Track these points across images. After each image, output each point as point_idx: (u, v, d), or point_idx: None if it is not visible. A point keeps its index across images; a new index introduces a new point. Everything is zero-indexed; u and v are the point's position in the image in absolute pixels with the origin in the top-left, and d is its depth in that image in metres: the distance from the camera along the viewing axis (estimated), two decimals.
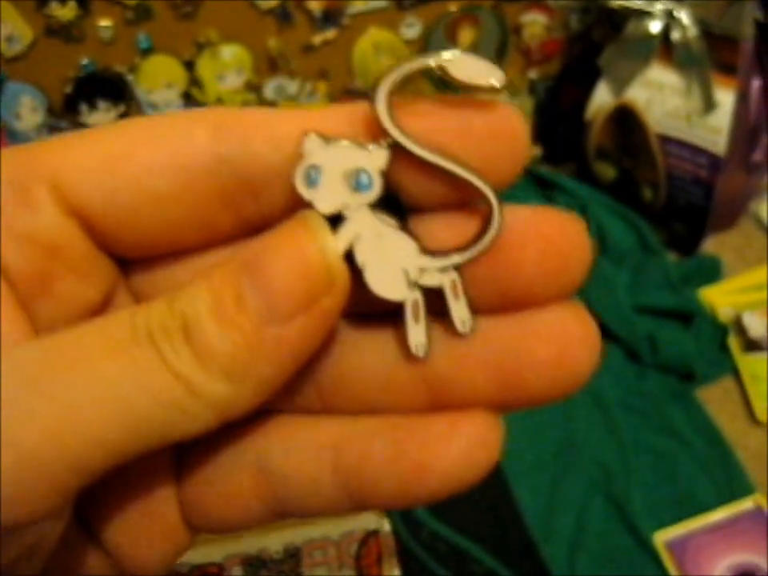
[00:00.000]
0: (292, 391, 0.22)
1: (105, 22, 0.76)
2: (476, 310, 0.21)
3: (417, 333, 0.21)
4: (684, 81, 0.81)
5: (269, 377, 0.19)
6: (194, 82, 0.82)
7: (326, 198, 0.20)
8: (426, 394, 0.22)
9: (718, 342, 0.81)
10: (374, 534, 0.48)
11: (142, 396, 0.19)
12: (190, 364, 0.19)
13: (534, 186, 0.96)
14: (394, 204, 0.21)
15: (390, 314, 0.22)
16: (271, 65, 0.83)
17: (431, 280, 0.21)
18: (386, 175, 0.21)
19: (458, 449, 0.21)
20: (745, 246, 0.89)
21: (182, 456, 0.23)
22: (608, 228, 0.89)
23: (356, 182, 0.20)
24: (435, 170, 0.21)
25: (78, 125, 0.80)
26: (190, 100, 0.83)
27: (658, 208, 0.89)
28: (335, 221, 0.20)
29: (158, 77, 0.80)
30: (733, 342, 0.81)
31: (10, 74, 0.76)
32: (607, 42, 0.85)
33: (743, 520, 0.70)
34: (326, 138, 0.20)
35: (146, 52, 0.79)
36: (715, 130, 0.80)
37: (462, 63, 0.21)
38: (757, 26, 0.78)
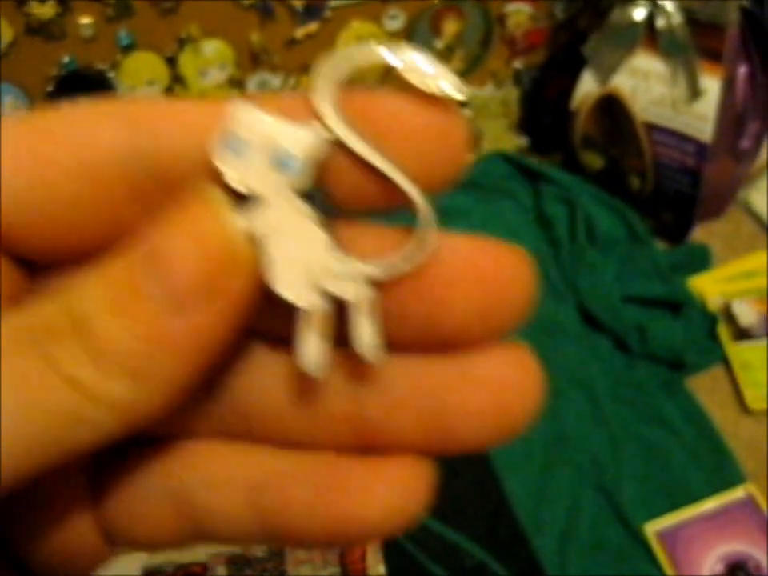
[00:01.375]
0: (211, 412, 0.20)
1: (85, 20, 0.76)
2: (396, 345, 0.19)
3: (313, 346, 0.18)
4: (669, 68, 0.81)
5: (175, 374, 0.17)
6: (177, 78, 0.81)
7: (240, 170, 0.18)
8: (349, 430, 0.20)
9: (707, 331, 0.81)
10: None
11: (30, 409, 0.17)
12: (83, 365, 0.17)
13: (521, 176, 0.95)
14: (324, 200, 0.19)
15: None
16: (254, 59, 0.83)
17: (341, 289, 0.18)
18: (317, 165, 0.18)
19: (381, 500, 0.19)
20: (733, 234, 0.89)
21: (100, 473, 0.21)
22: (596, 218, 0.88)
23: (279, 161, 0.18)
24: (372, 170, 0.18)
25: None
26: (172, 96, 0.82)
27: (646, 197, 0.89)
28: (249, 202, 0.18)
29: (140, 73, 0.80)
30: (722, 331, 0.81)
31: None
32: (592, 30, 0.85)
33: (734, 509, 0.70)
34: (258, 110, 0.18)
35: (128, 49, 0.78)
36: (702, 117, 0.80)
37: (414, 67, 0.18)
38: (742, 12, 0.78)
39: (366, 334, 0.18)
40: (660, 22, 0.79)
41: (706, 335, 0.81)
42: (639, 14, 0.80)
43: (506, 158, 0.97)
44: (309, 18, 0.82)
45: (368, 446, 0.20)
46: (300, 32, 0.83)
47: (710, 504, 0.71)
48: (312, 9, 0.82)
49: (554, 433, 0.76)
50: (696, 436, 0.75)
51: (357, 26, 0.84)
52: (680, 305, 0.82)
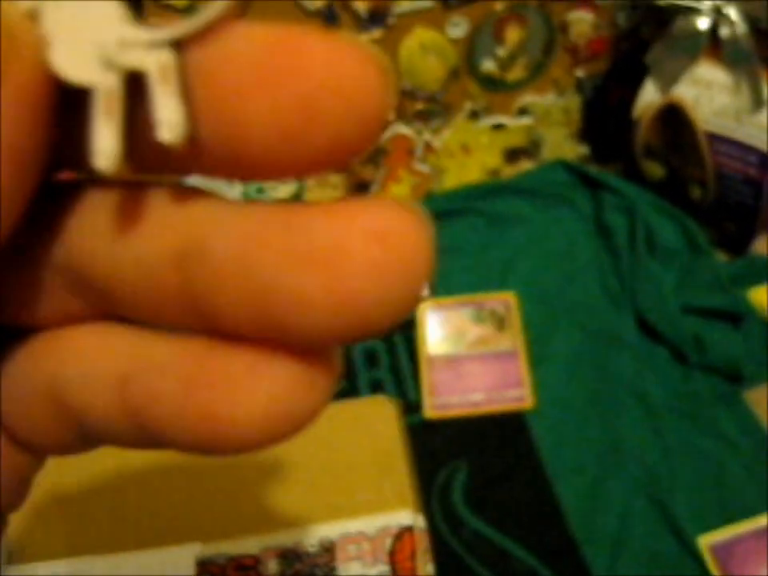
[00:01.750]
0: (54, 283, 0.18)
1: None
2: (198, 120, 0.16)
3: (104, 135, 0.15)
4: (733, 78, 0.80)
5: None
6: None
7: None
8: (187, 307, 0.17)
9: (766, 343, 0.80)
10: (408, 529, 0.48)
11: None
12: None
13: (581, 185, 0.95)
14: None
15: None
16: None
17: (135, 59, 0.15)
18: None
19: (252, 399, 0.17)
20: None
21: None
22: (656, 227, 0.88)
23: None
24: None
25: None
26: None
27: (707, 207, 0.88)
28: None
29: None
30: None
31: None
32: (655, 39, 0.84)
33: None
34: None
35: None
36: (765, 127, 0.79)
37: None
38: None
39: (168, 109, 0.15)
40: (724, 32, 0.79)
41: (766, 348, 0.80)
42: (703, 23, 0.80)
43: (567, 166, 0.97)
44: (373, 24, 0.83)
45: (214, 331, 0.17)
46: (364, 38, 0.84)
47: (765, 519, 0.70)
48: (376, 15, 0.82)
49: (608, 442, 0.76)
50: (753, 449, 0.74)
51: (420, 32, 0.85)
52: (740, 316, 0.81)
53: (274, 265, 0.16)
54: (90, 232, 0.17)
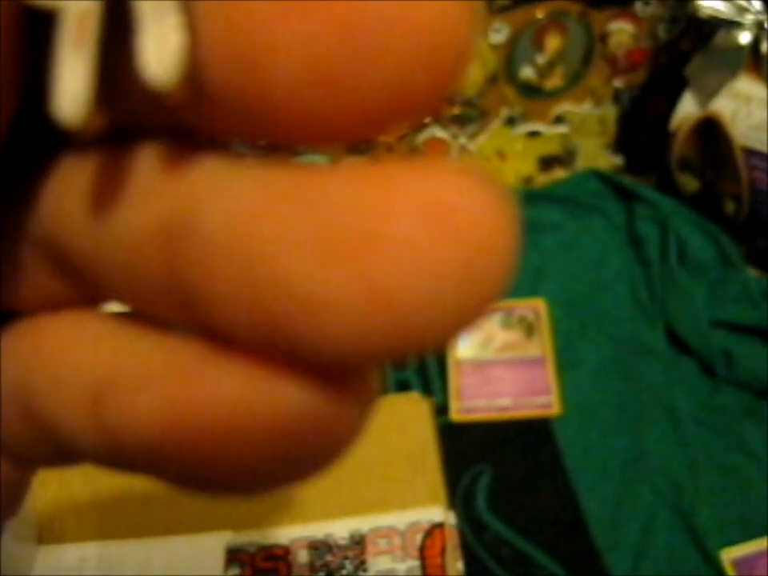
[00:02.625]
0: (30, 262, 0.15)
1: None
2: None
3: (71, 75, 0.11)
4: None
5: None
6: None
7: None
8: (176, 300, 0.14)
9: None
10: (439, 526, 0.48)
11: None
12: None
13: (614, 195, 0.95)
14: None
15: None
16: None
17: None
18: None
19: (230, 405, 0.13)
20: None
21: None
22: (688, 240, 0.88)
23: None
24: None
25: None
26: None
27: (741, 222, 0.88)
28: None
29: None
30: None
31: None
32: (695, 52, 0.84)
33: None
34: None
35: None
36: None
37: None
38: None
39: (160, 36, 0.11)
40: (765, 47, 0.79)
41: None
42: (745, 37, 0.80)
43: (600, 176, 0.97)
44: None
45: (209, 332, 0.13)
46: None
47: None
48: None
49: (634, 452, 0.76)
50: None
51: None
52: None
53: (282, 252, 0.12)
54: (67, 201, 0.14)
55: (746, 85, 0.82)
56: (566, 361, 0.82)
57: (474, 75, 0.88)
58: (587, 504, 0.73)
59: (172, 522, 0.50)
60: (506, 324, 0.85)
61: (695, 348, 0.81)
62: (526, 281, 0.89)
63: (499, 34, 0.86)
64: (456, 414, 0.78)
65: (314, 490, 0.51)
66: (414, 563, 0.48)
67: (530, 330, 0.84)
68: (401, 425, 0.53)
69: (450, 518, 0.48)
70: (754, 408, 0.78)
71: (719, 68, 0.82)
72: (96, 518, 0.51)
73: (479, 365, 0.82)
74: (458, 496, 0.73)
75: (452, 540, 0.48)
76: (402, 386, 0.81)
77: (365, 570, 0.48)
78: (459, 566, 0.47)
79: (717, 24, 0.81)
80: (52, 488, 0.53)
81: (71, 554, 0.50)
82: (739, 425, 0.77)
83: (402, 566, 0.48)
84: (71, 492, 0.52)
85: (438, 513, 0.49)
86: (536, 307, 0.86)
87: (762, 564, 0.69)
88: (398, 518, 0.49)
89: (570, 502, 0.73)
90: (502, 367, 0.82)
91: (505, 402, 0.79)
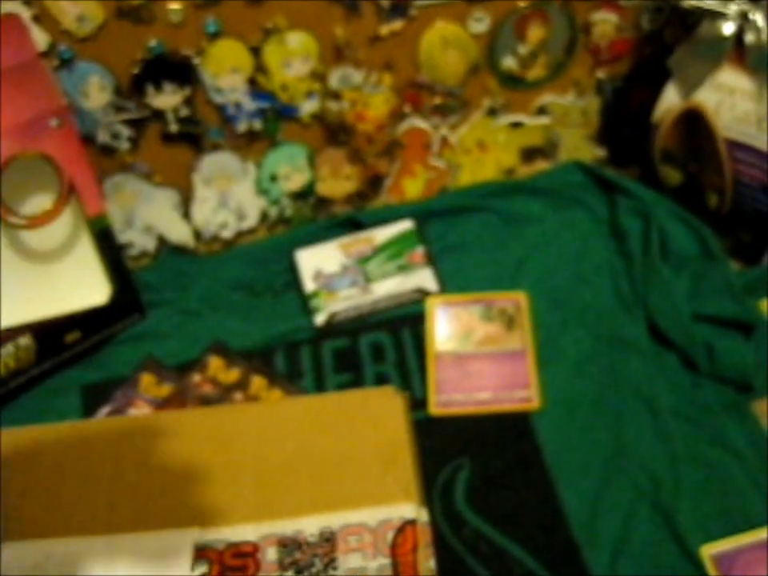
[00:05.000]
0: None
1: (174, 5, 0.77)
2: None
3: None
4: (756, 85, 0.79)
5: None
6: (260, 68, 0.82)
7: None
8: None
9: None
10: (411, 523, 0.47)
11: None
12: None
13: (597, 187, 0.94)
14: None
15: None
16: (337, 54, 0.83)
17: None
18: None
19: None
20: None
21: None
22: (671, 233, 0.87)
23: None
24: None
25: (143, 106, 0.81)
26: (255, 86, 0.83)
27: (723, 215, 0.87)
28: None
29: (224, 61, 0.81)
30: None
31: (80, 54, 0.77)
32: (678, 43, 0.83)
33: None
34: None
35: (214, 36, 0.79)
36: None
37: None
38: None
39: None
40: (749, 37, 0.78)
41: None
42: (728, 28, 0.79)
43: (583, 168, 0.96)
44: (394, 15, 0.82)
45: None
46: (384, 29, 0.83)
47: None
48: (398, 6, 0.82)
49: (614, 446, 0.75)
50: (759, 461, 0.74)
51: (441, 26, 0.84)
52: (751, 326, 0.80)
53: None
54: None
55: (729, 76, 0.81)
56: (547, 354, 0.82)
57: (456, 65, 0.87)
58: (566, 498, 0.72)
59: (139, 519, 0.49)
60: (487, 317, 0.84)
61: (677, 342, 0.81)
62: (506, 273, 0.88)
63: (481, 23, 0.85)
64: (435, 408, 0.78)
65: (283, 486, 0.50)
66: (384, 561, 0.47)
67: (510, 322, 0.84)
68: (374, 420, 0.52)
69: (422, 514, 0.47)
70: (736, 403, 0.77)
71: (702, 59, 0.82)
72: (63, 515, 0.50)
73: (459, 358, 0.81)
74: (437, 491, 0.72)
75: (424, 537, 0.47)
76: (381, 380, 0.80)
77: (335, 569, 0.47)
78: (431, 564, 0.46)
79: (700, 15, 0.81)
80: (18, 482, 0.52)
81: (36, 550, 0.49)
82: (720, 420, 0.76)
83: (372, 564, 0.47)
84: (36, 489, 0.51)
85: (410, 509, 0.48)
86: (517, 300, 0.85)
87: (742, 559, 0.68)
88: (369, 515, 0.48)
89: (549, 497, 0.72)
90: (482, 360, 0.81)
91: (484, 395, 0.79)
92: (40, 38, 0.74)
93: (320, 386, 0.79)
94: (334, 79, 0.85)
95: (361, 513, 0.48)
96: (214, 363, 0.81)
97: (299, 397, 0.75)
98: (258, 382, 0.79)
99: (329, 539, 0.48)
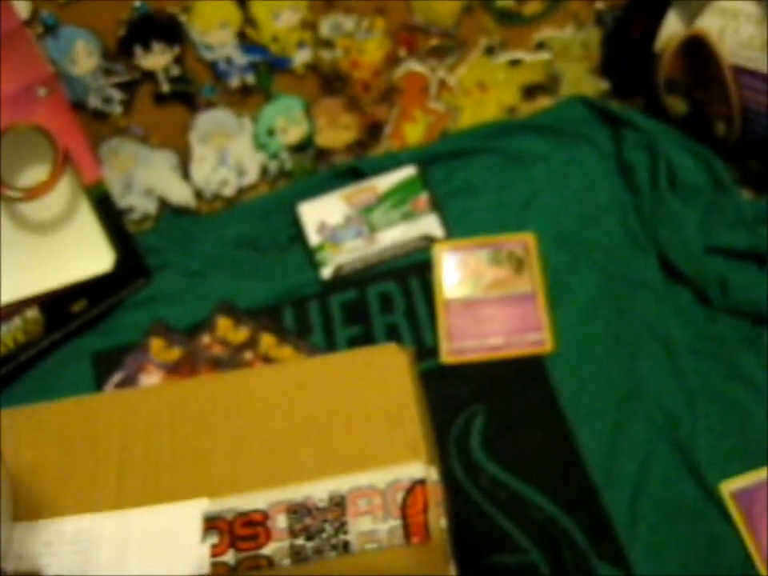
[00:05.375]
0: None
1: None
2: None
3: None
4: (759, 8, 0.77)
5: None
6: (249, 21, 0.81)
7: None
8: None
9: None
10: (420, 482, 0.47)
11: None
12: None
13: (601, 121, 0.92)
14: None
15: None
16: (327, 1, 0.82)
17: None
18: None
19: None
20: None
21: None
22: (679, 164, 0.86)
23: None
24: None
25: (133, 68, 0.80)
26: (245, 40, 0.81)
27: (732, 143, 0.85)
28: None
29: (211, 17, 0.79)
30: None
31: (63, 19, 0.75)
32: None
33: None
34: None
35: None
36: None
37: None
38: None
39: None
40: None
41: None
42: None
43: (587, 102, 0.94)
44: None
45: None
46: None
47: None
48: None
49: (630, 386, 0.74)
50: None
51: None
52: (764, 257, 0.79)
53: None
54: None
55: (731, 0, 0.79)
56: (558, 295, 0.81)
57: (449, 5, 0.85)
58: (583, 441, 0.72)
59: (147, 493, 0.49)
60: (495, 260, 0.83)
61: (689, 276, 0.80)
62: (513, 215, 0.87)
63: None
64: (447, 356, 0.77)
65: (290, 451, 0.50)
66: (395, 523, 0.46)
67: (519, 265, 0.83)
68: (379, 379, 0.52)
69: (432, 473, 0.47)
70: (752, 336, 0.76)
71: None
72: (71, 491, 0.50)
73: (468, 304, 0.80)
74: (452, 439, 0.72)
75: (435, 496, 0.46)
76: (391, 330, 0.80)
77: (345, 533, 0.46)
78: (443, 522, 0.46)
79: None
80: (26, 461, 0.52)
81: (48, 529, 0.49)
82: (737, 353, 0.76)
83: (383, 527, 0.46)
84: (46, 466, 0.51)
85: (418, 469, 0.47)
86: (525, 242, 0.84)
87: (763, 495, 0.68)
88: (378, 477, 0.48)
89: (566, 440, 0.72)
90: (492, 305, 0.80)
91: (496, 340, 0.78)
92: (21, 6, 0.73)
93: (330, 341, 0.79)
94: (326, 27, 0.83)
95: (370, 475, 0.48)
96: (223, 323, 0.81)
97: (301, 360, 0.75)
98: (267, 340, 0.79)
99: (338, 503, 0.47)
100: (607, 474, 0.70)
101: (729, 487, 0.68)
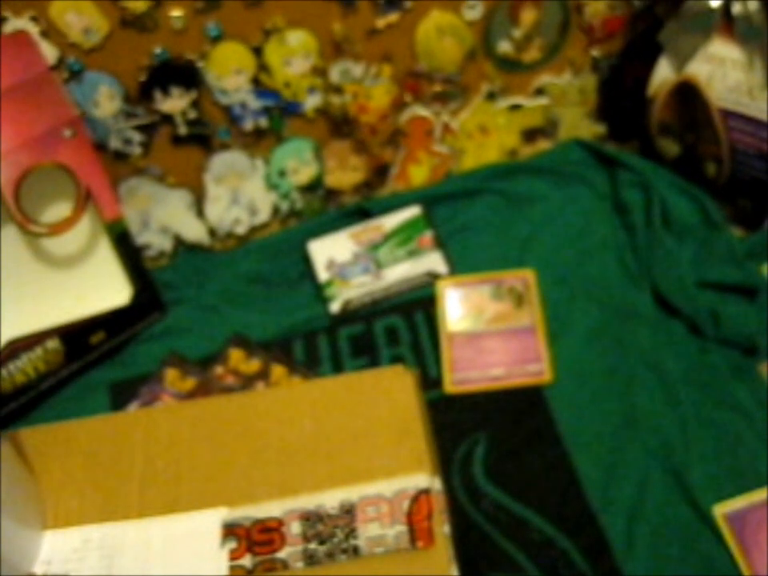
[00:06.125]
0: None
1: (176, 12, 0.79)
2: None
3: None
4: (745, 54, 0.81)
5: None
6: (263, 67, 0.84)
7: None
8: None
9: None
10: (425, 491, 0.50)
11: None
12: None
13: (598, 163, 0.96)
14: None
15: None
16: (336, 49, 0.86)
17: None
18: None
19: None
20: None
21: None
22: (672, 203, 0.89)
23: None
24: None
25: (152, 111, 0.84)
26: (259, 85, 0.85)
27: (722, 183, 0.89)
28: None
29: (227, 63, 0.83)
30: None
31: (88, 65, 0.79)
32: (668, 17, 0.85)
33: None
34: None
35: (216, 39, 0.81)
36: None
37: None
38: None
39: None
40: (736, 9, 0.80)
41: None
42: (715, 1, 0.80)
43: (584, 145, 0.98)
44: (389, 8, 0.84)
45: None
46: (381, 22, 0.85)
47: None
48: None
49: (626, 414, 0.77)
50: (767, 420, 0.75)
51: (436, 15, 0.86)
52: (755, 291, 0.82)
53: None
54: None
55: (719, 47, 0.83)
56: (556, 328, 0.84)
57: (452, 53, 0.89)
58: (581, 467, 0.74)
59: (169, 503, 0.52)
60: (497, 295, 0.86)
61: (683, 309, 0.83)
62: (513, 252, 0.90)
63: (474, 10, 0.87)
64: (450, 386, 0.80)
65: (304, 464, 0.52)
66: (402, 528, 0.49)
67: (519, 300, 0.86)
68: (386, 397, 0.55)
69: (435, 483, 0.50)
70: (742, 365, 0.79)
71: (692, 32, 0.83)
72: (97, 501, 0.53)
73: (471, 337, 0.83)
74: (455, 466, 0.75)
75: (438, 504, 0.49)
76: (396, 361, 0.82)
77: (355, 538, 0.49)
78: (446, 528, 0.49)
79: None
80: (55, 474, 0.54)
81: (75, 536, 0.52)
82: (728, 383, 0.78)
83: (390, 532, 0.49)
84: (73, 477, 0.54)
85: (423, 479, 0.50)
86: (525, 278, 0.87)
87: (754, 517, 0.70)
88: (386, 486, 0.51)
89: (564, 466, 0.74)
90: (494, 338, 0.83)
91: (497, 371, 0.81)
92: (49, 53, 0.77)
93: (338, 372, 0.82)
94: (335, 74, 0.87)
95: (378, 485, 0.51)
96: (235, 355, 0.83)
97: (314, 379, 0.77)
98: (278, 371, 0.82)
99: (349, 511, 0.50)
100: (604, 498, 0.72)
101: (721, 510, 0.70)
